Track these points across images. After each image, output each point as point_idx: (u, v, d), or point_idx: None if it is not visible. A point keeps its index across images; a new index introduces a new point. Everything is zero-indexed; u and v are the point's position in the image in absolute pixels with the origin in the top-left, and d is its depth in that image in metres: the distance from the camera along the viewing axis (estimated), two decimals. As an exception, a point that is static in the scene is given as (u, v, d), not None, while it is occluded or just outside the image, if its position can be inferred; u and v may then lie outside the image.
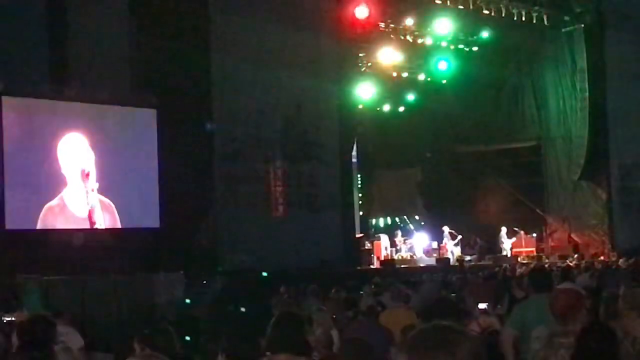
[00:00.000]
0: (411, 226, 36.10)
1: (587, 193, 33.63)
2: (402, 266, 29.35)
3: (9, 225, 20.91)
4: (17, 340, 7.57)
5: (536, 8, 31.57)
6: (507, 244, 32.39)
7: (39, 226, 21.51)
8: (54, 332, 7.59)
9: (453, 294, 15.09)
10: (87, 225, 22.28)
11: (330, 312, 12.13)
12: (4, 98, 21.07)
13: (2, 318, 10.58)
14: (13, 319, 10.65)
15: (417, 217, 37.42)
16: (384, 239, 31.77)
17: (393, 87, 35.87)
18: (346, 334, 9.60)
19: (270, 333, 5.98)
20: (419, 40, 32.87)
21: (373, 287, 17.05)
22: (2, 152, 20.93)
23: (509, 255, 31.90)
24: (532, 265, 25.97)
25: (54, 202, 21.74)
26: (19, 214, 21.31)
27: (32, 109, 22.07)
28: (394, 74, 34.60)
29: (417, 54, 34.53)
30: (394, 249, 31.69)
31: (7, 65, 21.24)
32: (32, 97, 21.84)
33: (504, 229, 32.62)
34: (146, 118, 23.84)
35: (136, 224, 23.51)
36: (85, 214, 22.23)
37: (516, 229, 32.81)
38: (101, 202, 22.51)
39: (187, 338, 10.03)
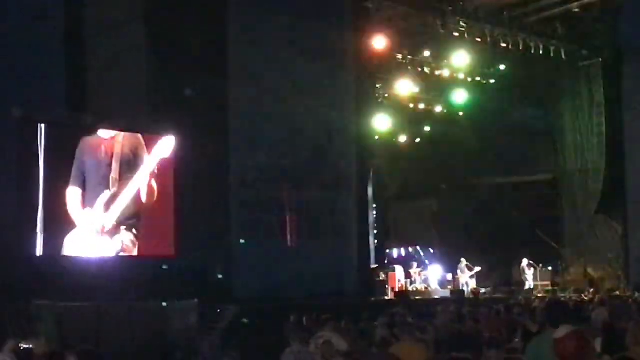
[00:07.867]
0: (425, 257, 35.91)
1: (603, 227, 33.47)
2: (417, 298, 29.23)
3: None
4: None
5: (554, 42, 31.64)
6: (529, 275, 32.22)
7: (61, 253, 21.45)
8: None
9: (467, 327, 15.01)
10: (103, 253, 22.24)
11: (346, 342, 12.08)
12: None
13: (20, 345, 10.54)
14: (31, 346, 10.59)
15: (431, 249, 37.30)
16: (399, 270, 31.66)
17: (409, 118, 35.96)
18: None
19: None
20: (436, 72, 32.99)
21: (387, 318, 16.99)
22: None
23: (532, 286, 31.74)
24: (547, 299, 25.83)
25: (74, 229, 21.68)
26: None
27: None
28: (411, 106, 34.70)
29: (434, 86, 34.66)
30: (408, 280, 31.60)
31: (25, 92, 21.31)
32: (51, 124, 21.78)
33: (525, 261, 32.46)
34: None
35: (152, 251, 23.49)
36: (104, 241, 22.18)
37: (532, 262, 32.64)
38: (119, 229, 22.48)
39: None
